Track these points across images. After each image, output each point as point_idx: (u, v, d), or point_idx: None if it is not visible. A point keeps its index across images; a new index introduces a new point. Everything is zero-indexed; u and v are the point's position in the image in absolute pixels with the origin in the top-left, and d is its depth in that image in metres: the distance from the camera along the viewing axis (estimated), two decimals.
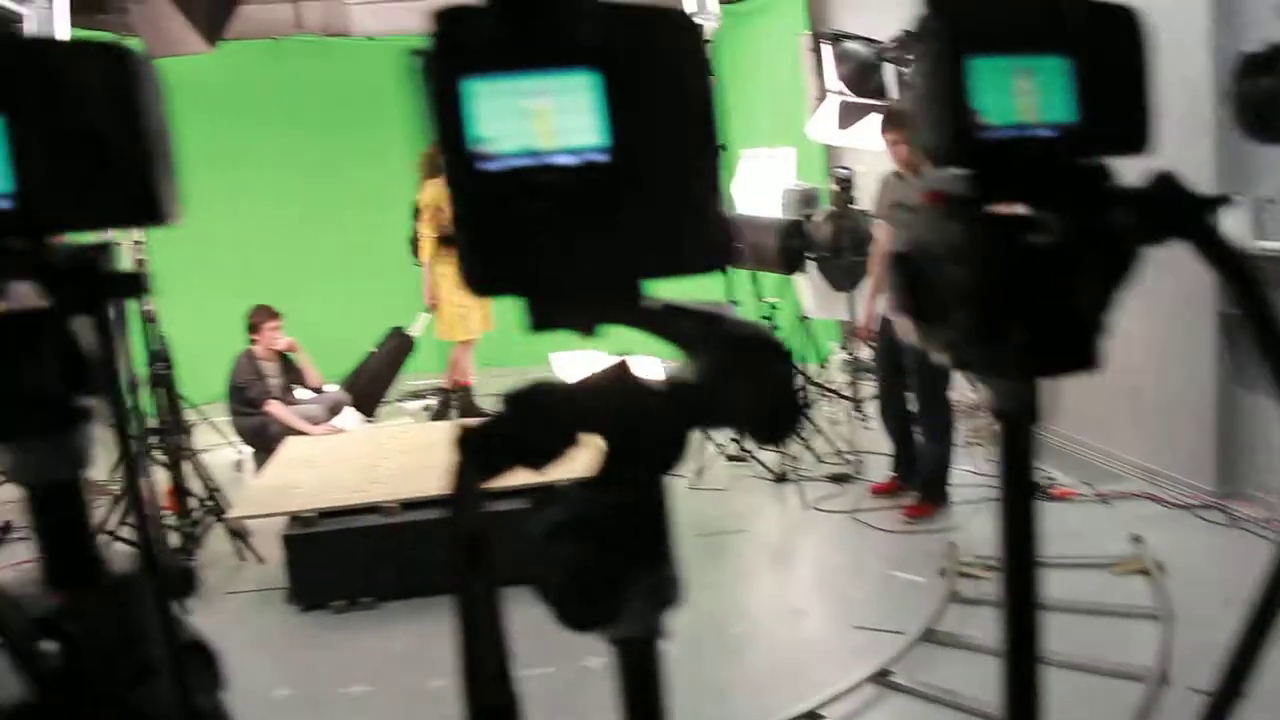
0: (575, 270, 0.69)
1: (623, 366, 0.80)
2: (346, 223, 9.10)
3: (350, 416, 7.30)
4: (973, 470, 5.72)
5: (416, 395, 8.61)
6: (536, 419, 0.78)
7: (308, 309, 7.72)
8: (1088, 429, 5.75)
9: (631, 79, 0.69)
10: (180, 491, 5.18)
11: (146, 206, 0.75)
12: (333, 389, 7.28)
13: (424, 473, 5.04)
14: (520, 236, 0.69)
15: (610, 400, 0.78)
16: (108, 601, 0.83)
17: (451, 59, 0.66)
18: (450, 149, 0.66)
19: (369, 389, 7.69)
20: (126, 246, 4.88)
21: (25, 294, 0.77)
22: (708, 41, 0.71)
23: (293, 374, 6.90)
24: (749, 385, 0.71)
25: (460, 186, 0.68)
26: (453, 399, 7.79)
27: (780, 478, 5.97)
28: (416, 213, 7.59)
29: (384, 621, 4.46)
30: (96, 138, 0.72)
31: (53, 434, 0.82)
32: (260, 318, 6.67)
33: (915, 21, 0.81)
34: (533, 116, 0.67)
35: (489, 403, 8.05)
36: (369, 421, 7.64)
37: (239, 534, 5.16)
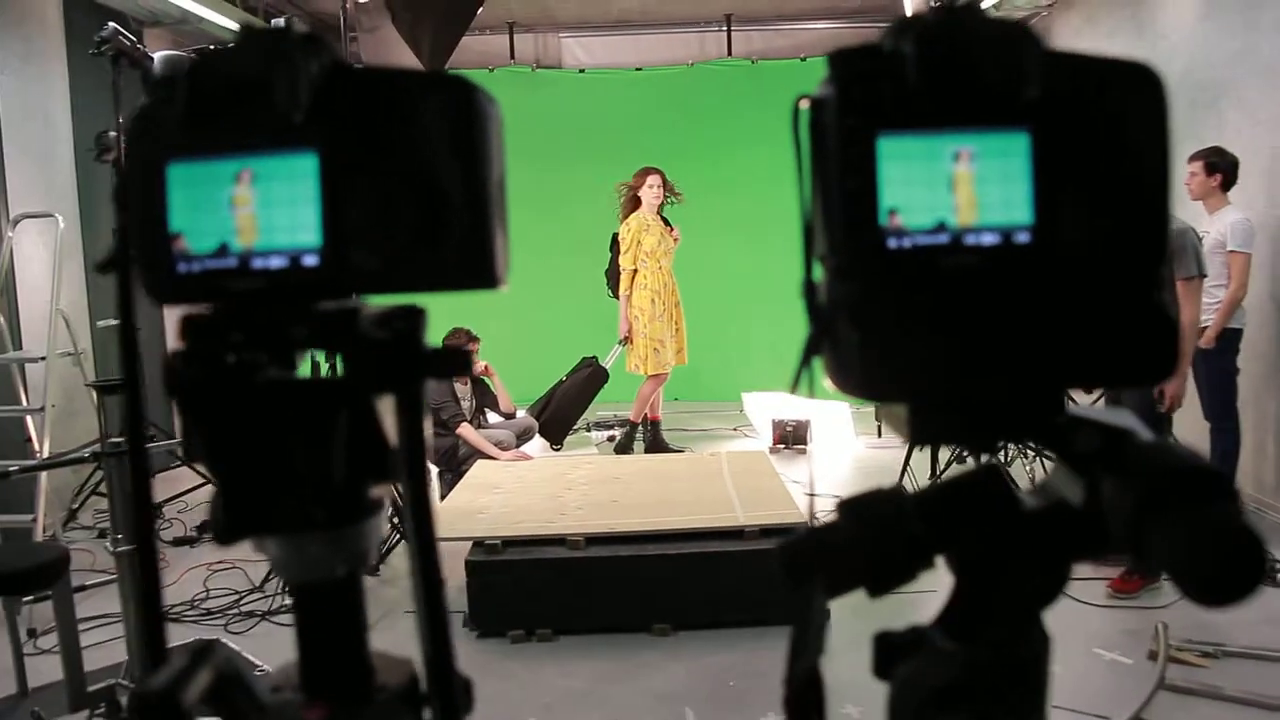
0: (984, 375, 0.56)
1: (988, 476, 0.66)
2: (544, 250, 9.22)
3: (537, 444, 7.32)
4: None
5: (602, 425, 8.59)
6: (882, 536, 0.65)
7: (501, 333, 7.81)
8: None
9: (1072, 142, 0.55)
10: None
11: (481, 268, 0.62)
12: (523, 415, 7.32)
13: (611, 508, 4.97)
14: (921, 331, 0.55)
15: (975, 519, 0.64)
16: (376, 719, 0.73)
17: (865, 112, 0.53)
18: (853, 220, 0.54)
19: (558, 418, 7.70)
20: None
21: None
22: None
23: (486, 398, 6.96)
24: (1184, 528, 0.56)
25: (859, 266, 0.55)
26: (639, 432, 7.74)
27: None
28: (614, 245, 7.61)
29: (560, 656, 4.38)
30: (432, 187, 0.61)
31: (335, 528, 0.70)
32: (458, 340, 6.73)
33: None
34: (953, 185, 0.54)
35: (674, 438, 7.96)
36: (555, 449, 7.66)
37: None
